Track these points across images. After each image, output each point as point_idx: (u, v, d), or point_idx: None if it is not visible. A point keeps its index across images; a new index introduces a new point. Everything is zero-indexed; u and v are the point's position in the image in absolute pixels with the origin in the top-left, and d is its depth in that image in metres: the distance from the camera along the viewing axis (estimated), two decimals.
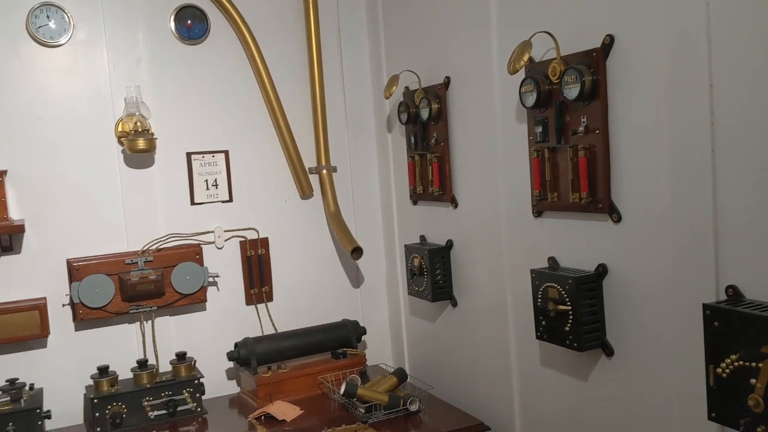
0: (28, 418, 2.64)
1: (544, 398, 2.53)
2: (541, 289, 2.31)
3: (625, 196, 2.07)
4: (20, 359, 2.89)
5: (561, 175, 2.30)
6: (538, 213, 2.45)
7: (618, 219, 2.10)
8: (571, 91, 2.14)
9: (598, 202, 2.16)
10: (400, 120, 3.13)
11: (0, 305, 2.81)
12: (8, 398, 2.65)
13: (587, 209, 2.20)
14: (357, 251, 3.23)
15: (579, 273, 2.22)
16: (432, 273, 2.97)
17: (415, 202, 3.23)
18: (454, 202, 2.93)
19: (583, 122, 2.17)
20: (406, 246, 3.17)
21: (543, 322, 2.32)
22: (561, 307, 2.22)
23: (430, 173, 2.99)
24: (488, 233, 2.73)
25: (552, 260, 2.39)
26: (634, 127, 2.02)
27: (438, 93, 2.91)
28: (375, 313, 3.54)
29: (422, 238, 3.19)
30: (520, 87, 2.36)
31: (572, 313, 2.19)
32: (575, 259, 2.30)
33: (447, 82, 2.87)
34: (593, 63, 2.10)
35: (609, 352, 2.20)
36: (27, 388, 2.77)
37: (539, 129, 2.34)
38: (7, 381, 2.72)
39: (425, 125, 3.01)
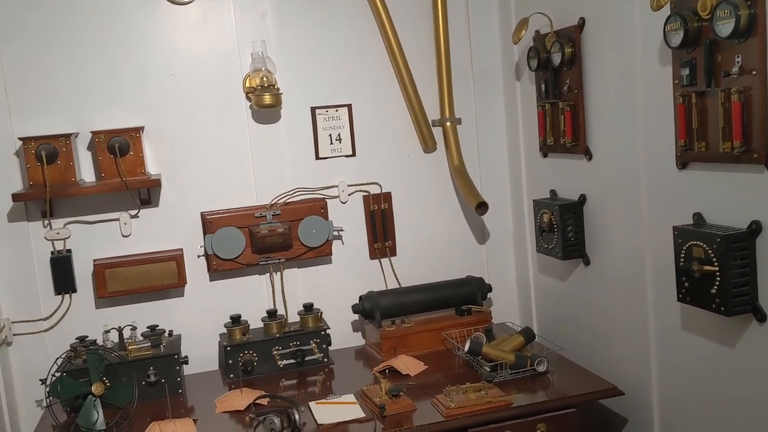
0: (168, 363, 2.78)
1: (684, 365, 2.35)
2: (685, 248, 2.13)
3: None
4: (160, 307, 3.05)
5: (710, 122, 2.10)
6: (682, 165, 2.24)
7: None
8: (724, 28, 1.93)
9: (753, 152, 1.94)
10: (529, 67, 2.96)
11: (141, 256, 2.97)
12: (149, 344, 2.81)
13: (740, 160, 1.99)
14: (482, 206, 3.12)
15: (728, 231, 2.02)
16: (563, 229, 2.82)
17: (545, 155, 3.06)
18: (588, 154, 2.74)
19: (738, 62, 1.95)
20: (535, 201, 3.03)
21: (686, 284, 2.15)
22: (707, 267, 2.05)
23: (562, 123, 2.82)
24: (626, 187, 2.54)
25: (697, 216, 2.19)
26: None
27: (571, 36, 2.71)
28: (501, 270, 3.44)
29: (552, 192, 3.03)
30: (665, 25, 2.15)
31: (720, 275, 2.02)
32: (724, 216, 2.10)
33: (581, 23, 2.67)
34: None
35: (761, 317, 2.00)
36: (166, 334, 2.92)
37: (686, 71, 2.13)
38: (148, 327, 2.88)
39: (557, 71, 2.83)
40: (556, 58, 2.78)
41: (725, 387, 2.18)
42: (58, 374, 2.42)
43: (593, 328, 2.86)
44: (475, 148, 3.36)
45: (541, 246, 3.00)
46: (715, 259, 2.03)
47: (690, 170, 2.22)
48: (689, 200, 2.22)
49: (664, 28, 2.15)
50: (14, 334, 2.88)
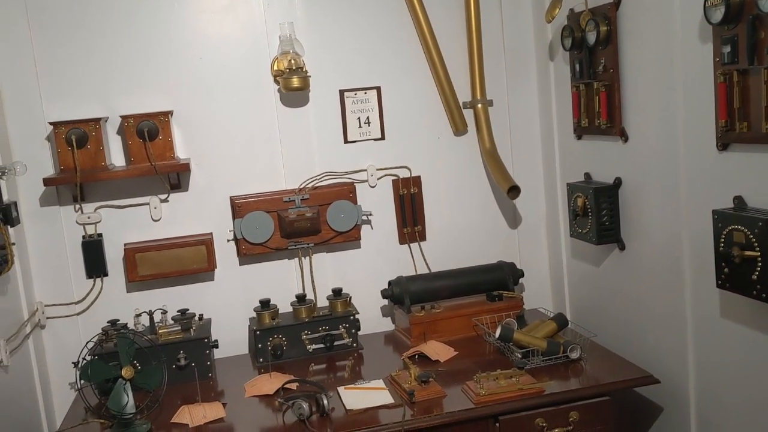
0: (198, 346, 2.79)
1: (723, 353, 2.27)
2: (725, 233, 2.06)
3: None
4: (190, 291, 3.06)
5: (752, 101, 2.01)
6: (723, 146, 2.15)
7: None
8: None
9: None
10: (563, 46, 2.87)
11: (171, 240, 2.98)
12: (179, 327, 2.82)
13: None
14: (514, 190, 3.06)
15: None
16: (597, 214, 2.75)
17: (579, 137, 2.98)
18: (623, 136, 2.66)
19: None
20: (568, 185, 2.96)
21: (725, 269, 2.08)
22: (748, 252, 1.98)
23: (597, 104, 2.74)
24: (663, 169, 2.46)
25: (738, 200, 2.10)
26: None
27: (607, 14, 2.63)
28: (533, 255, 3.37)
29: (587, 175, 2.95)
30: (705, 0, 2.06)
31: (761, 260, 1.94)
32: (766, 199, 2.01)
33: (617, 0, 2.58)
34: None
35: None
36: (196, 318, 2.93)
37: (727, 49, 2.04)
38: (178, 311, 2.89)
39: (592, 51, 2.74)
40: (591, 37, 2.69)
41: (765, 375, 2.10)
42: (88, 357, 2.43)
43: (628, 315, 2.79)
44: (507, 131, 3.29)
45: (574, 231, 2.93)
46: (756, 244, 1.95)
47: (731, 152, 2.13)
48: (730, 183, 2.14)
49: (704, 4, 2.06)
50: (47, 318, 2.91)
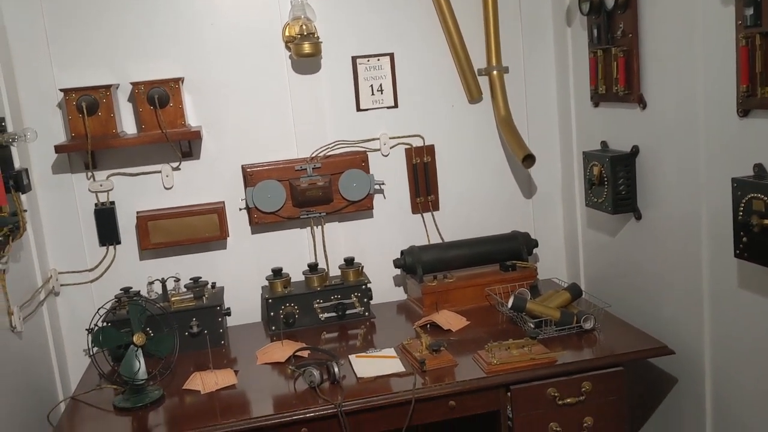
0: (210, 314, 2.80)
1: (741, 324, 2.23)
2: (744, 201, 2.01)
3: None
4: (202, 260, 3.06)
5: None
6: (744, 112, 2.09)
7: None
8: None
9: None
10: (581, 10, 2.80)
11: (183, 208, 2.97)
12: (192, 295, 2.82)
13: None
14: (529, 159, 3.01)
15: None
16: (614, 182, 2.70)
17: (596, 104, 2.92)
18: (642, 103, 2.60)
19: None
20: (584, 153, 2.90)
21: (744, 239, 2.03)
22: (767, 221, 1.92)
23: (615, 70, 2.67)
24: (682, 137, 2.40)
25: (759, 168, 2.05)
26: None
27: None
28: (548, 225, 3.33)
29: (603, 144, 2.89)
30: None
31: None
32: None
33: None
34: None
35: None
36: (209, 286, 2.93)
37: (749, 11, 1.97)
38: (191, 279, 2.90)
39: (610, 15, 2.67)
40: (610, 1, 2.62)
41: None
42: (101, 324, 2.44)
43: (643, 285, 2.75)
44: (522, 98, 3.23)
45: (590, 200, 2.88)
46: None
47: (752, 118, 2.07)
48: (750, 150, 2.08)
49: None
50: (61, 285, 2.93)
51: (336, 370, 2.37)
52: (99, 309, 2.48)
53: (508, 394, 2.36)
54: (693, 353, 2.47)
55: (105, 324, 2.49)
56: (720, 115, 2.19)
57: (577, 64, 3.01)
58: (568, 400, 2.37)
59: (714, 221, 2.29)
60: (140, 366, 2.37)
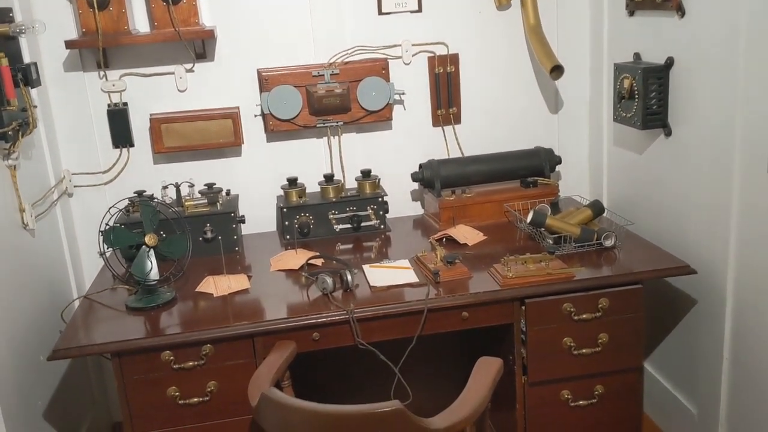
0: (224, 220, 2.76)
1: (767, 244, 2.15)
2: None
3: None
4: (217, 166, 3.00)
5: None
6: None
7: None
8: None
9: None
10: None
11: (196, 112, 2.89)
12: (206, 201, 2.78)
13: None
14: (557, 70, 2.88)
15: None
16: (645, 96, 2.57)
17: (631, 13, 2.76)
18: (680, 11, 2.44)
19: None
20: (616, 65, 2.76)
21: None
22: None
23: None
24: (722, 49, 2.25)
25: None
26: None
27: None
28: (573, 141, 3.21)
29: (636, 56, 2.75)
30: None
31: None
32: None
33: None
34: None
35: None
36: (224, 193, 2.89)
37: None
38: (205, 185, 2.85)
39: None
40: None
41: None
42: (112, 223, 2.42)
43: (669, 203, 2.66)
44: (553, 6, 3.06)
45: (618, 115, 2.76)
46: None
47: None
48: None
49: None
50: (75, 186, 2.90)
51: (349, 278, 2.34)
52: (110, 208, 2.45)
53: (523, 307, 2.32)
54: (715, 273, 2.39)
55: (116, 224, 2.46)
56: (765, 22, 2.04)
57: None
58: (584, 316, 2.33)
59: (749, 138, 2.16)
60: (152, 266, 2.35)
